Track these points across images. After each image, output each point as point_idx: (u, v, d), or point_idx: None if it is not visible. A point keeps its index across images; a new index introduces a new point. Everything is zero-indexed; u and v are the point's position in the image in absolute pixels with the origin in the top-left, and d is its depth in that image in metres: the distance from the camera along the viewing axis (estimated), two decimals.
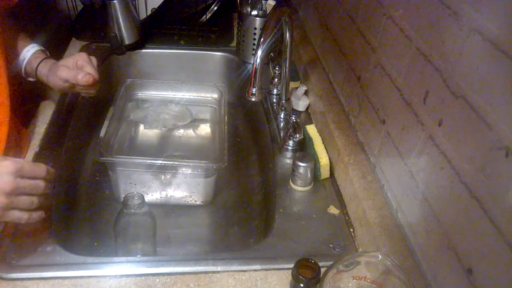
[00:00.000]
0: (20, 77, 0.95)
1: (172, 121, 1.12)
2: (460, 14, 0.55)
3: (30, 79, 0.96)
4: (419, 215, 0.65)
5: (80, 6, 1.36)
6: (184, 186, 0.93)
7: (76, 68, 0.90)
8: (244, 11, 1.21)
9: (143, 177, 0.91)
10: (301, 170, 0.85)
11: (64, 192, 0.88)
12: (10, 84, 0.82)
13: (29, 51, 0.93)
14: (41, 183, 0.67)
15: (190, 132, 1.16)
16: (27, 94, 1.01)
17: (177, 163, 0.91)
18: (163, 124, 1.12)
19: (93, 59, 0.94)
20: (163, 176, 0.91)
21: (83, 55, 0.92)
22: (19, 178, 0.63)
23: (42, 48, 0.95)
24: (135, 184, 0.92)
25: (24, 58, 0.92)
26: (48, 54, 0.96)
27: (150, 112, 1.12)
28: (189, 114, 1.13)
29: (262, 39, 0.82)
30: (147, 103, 1.14)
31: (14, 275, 0.66)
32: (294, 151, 0.95)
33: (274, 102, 1.11)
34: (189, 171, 0.90)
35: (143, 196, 0.73)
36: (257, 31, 1.20)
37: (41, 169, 0.67)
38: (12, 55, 0.91)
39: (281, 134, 1.00)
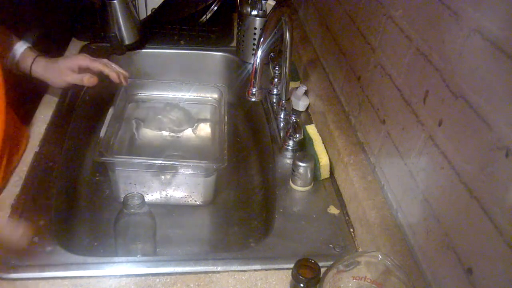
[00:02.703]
0: (15, 74, 0.95)
1: (169, 125, 1.12)
2: (460, 14, 0.55)
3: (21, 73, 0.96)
4: (419, 215, 0.65)
5: (80, 6, 1.36)
6: (184, 186, 0.93)
7: (79, 70, 0.94)
8: (244, 11, 1.21)
9: (143, 177, 0.91)
10: (301, 170, 0.85)
11: (64, 192, 0.88)
12: (6, 81, 0.81)
13: (17, 50, 0.93)
14: None
15: (190, 132, 1.16)
16: (27, 94, 1.01)
17: (177, 163, 0.91)
18: (159, 127, 1.12)
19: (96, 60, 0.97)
20: (163, 176, 0.91)
21: (85, 57, 0.96)
22: None
23: (30, 45, 0.96)
24: (135, 184, 0.92)
25: (15, 56, 0.93)
26: (35, 51, 0.96)
27: (150, 113, 1.12)
28: (185, 122, 1.13)
29: (262, 39, 0.82)
30: (148, 103, 1.14)
31: (14, 275, 0.66)
32: (294, 151, 0.95)
33: (274, 102, 1.11)
34: (189, 171, 0.90)
35: (143, 196, 0.73)
36: (257, 31, 1.20)
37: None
38: (3, 52, 0.91)
39: (281, 134, 1.00)
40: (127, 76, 1.01)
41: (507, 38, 0.47)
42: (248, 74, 1.03)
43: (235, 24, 1.37)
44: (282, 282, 0.69)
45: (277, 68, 1.13)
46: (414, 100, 0.66)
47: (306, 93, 1.10)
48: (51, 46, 1.03)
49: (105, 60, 0.99)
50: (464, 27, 0.54)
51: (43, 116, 0.98)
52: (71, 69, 0.94)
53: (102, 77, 0.98)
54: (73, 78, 0.94)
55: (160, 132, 1.14)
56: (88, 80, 0.95)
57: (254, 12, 1.19)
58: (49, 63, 0.94)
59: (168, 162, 0.90)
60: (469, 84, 0.53)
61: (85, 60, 0.95)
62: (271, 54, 1.20)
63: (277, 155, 0.96)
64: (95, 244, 0.88)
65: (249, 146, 1.17)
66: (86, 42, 1.28)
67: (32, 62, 0.93)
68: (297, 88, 1.10)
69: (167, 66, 1.31)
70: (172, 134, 1.14)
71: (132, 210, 0.72)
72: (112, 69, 0.97)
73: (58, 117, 0.99)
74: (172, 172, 0.90)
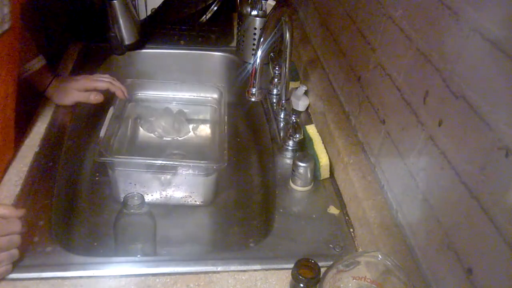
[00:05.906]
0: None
1: (158, 129, 1.12)
2: (460, 14, 0.55)
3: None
4: (419, 215, 0.65)
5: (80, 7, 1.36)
6: (184, 186, 0.93)
7: (85, 90, 1.02)
8: (244, 11, 1.21)
9: (143, 177, 0.91)
10: (301, 170, 0.85)
11: (64, 192, 0.88)
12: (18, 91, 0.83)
13: (34, 65, 0.96)
14: (15, 238, 0.65)
15: (190, 132, 1.16)
16: (27, 94, 1.01)
17: (177, 163, 0.91)
18: (151, 131, 1.12)
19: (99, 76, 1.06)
20: (163, 176, 0.91)
21: (90, 78, 1.03)
22: None
23: (45, 63, 1.00)
24: (135, 184, 0.92)
25: (29, 69, 0.95)
26: (49, 69, 1.01)
27: (146, 116, 1.12)
28: (176, 131, 1.13)
29: (262, 39, 0.82)
30: (148, 103, 1.14)
31: (14, 275, 0.66)
32: (294, 151, 0.95)
33: (274, 102, 1.11)
34: (189, 171, 0.90)
35: (143, 196, 0.73)
36: (257, 31, 1.20)
37: (15, 225, 0.65)
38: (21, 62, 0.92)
39: (281, 134, 1.00)
40: (126, 90, 1.06)
41: (507, 38, 0.47)
42: (248, 74, 1.03)
43: (235, 24, 1.37)
44: (282, 282, 0.69)
45: (277, 68, 1.13)
46: (414, 100, 0.66)
47: (306, 93, 1.10)
48: (52, 46, 1.03)
49: (107, 77, 1.04)
50: (464, 27, 0.54)
51: (43, 116, 0.98)
52: (78, 90, 1.01)
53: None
54: (80, 97, 1.02)
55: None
56: (94, 97, 1.02)
57: (254, 12, 1.19)
58: (58, 84, 1.00)
59: (168, 162, 0.90)
60: (469, 84, 0.53)
61: (90, 82, 1.02)
62: (271, 54, 1.20)
63: (277, 155, 0.96)
64: (95, 244, 0.88)
65: (249, 146, 1.17)
66: (86, 42, 1.28)
67: (49, 84, 0.99)
68: (297, 88, 1.10)
69: (167, 66, 1.31)
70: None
71: (132, 210, 0.72)
72: (116, 86, 1.03)
73: (58, 118, 0.99)
74: (172, 172, 0.90)
